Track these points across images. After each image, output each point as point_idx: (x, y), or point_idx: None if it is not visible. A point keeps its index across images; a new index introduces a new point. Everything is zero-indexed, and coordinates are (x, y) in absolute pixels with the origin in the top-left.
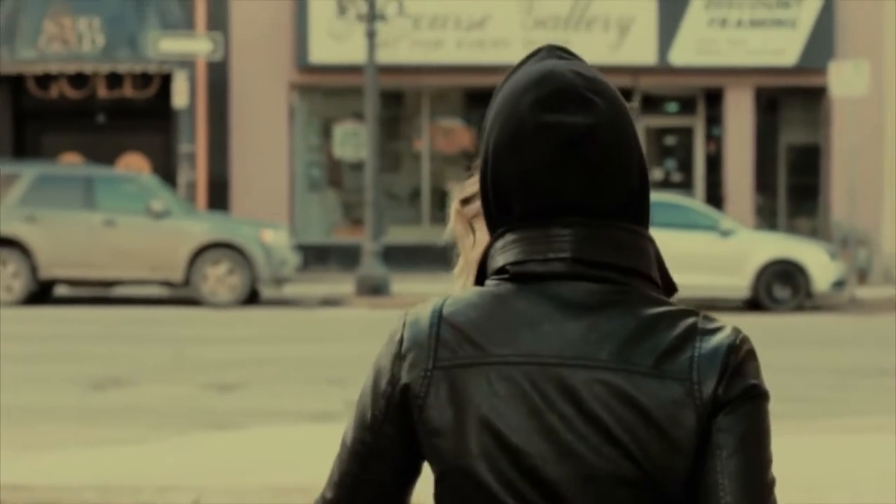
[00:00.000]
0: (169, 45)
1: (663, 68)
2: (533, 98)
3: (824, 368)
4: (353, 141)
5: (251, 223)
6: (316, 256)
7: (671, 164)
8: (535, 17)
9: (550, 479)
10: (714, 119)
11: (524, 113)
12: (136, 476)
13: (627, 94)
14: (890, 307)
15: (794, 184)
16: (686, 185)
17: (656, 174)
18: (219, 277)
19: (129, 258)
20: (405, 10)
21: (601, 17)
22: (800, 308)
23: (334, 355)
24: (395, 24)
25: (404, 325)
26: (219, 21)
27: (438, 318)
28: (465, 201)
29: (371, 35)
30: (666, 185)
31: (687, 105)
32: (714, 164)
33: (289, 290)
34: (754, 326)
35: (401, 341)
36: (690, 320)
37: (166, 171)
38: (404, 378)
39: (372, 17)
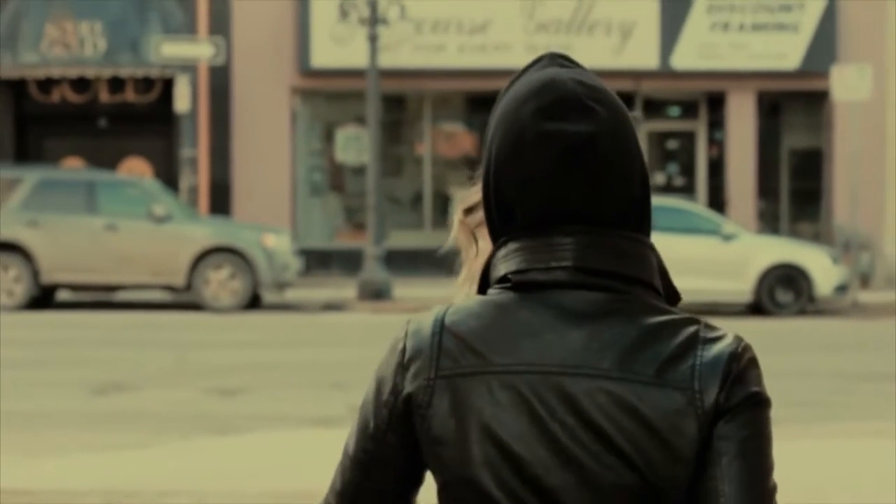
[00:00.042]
0: (171, 50)
1: (665, 72)
2: (534, 107)
3: (826, 373)
4: (355, 145)
5: (253, 228)
6: (318, 261)
7: (673, 168)
8: (537, 22)
9: (552, 488)
10: (716, 123)
11: (526, 121)
12: (137, 481)
13: (629, 98)
14: (892, 311)
15: (797, 188)
16: (688, 190)
17: (658, 178)
18: (221, 282)
19: (130, 263)
20: (407, 14)
21: (603, 22)
22: (802, 312)
23: (336, 360)
24: (396, 28)
25: (406, 335)
26: (221, 25)
27: (440, 328)
28: (468, 211)
29: (373, 39)
30: (668, 189)
31: (689, 109)
32: (716, 169)
33: (291, 295)
34: (757, 331)
35: (403, 351)
36: (692, 329)
37: (168, 176)
38: (407, 388)
39: (374, 21)
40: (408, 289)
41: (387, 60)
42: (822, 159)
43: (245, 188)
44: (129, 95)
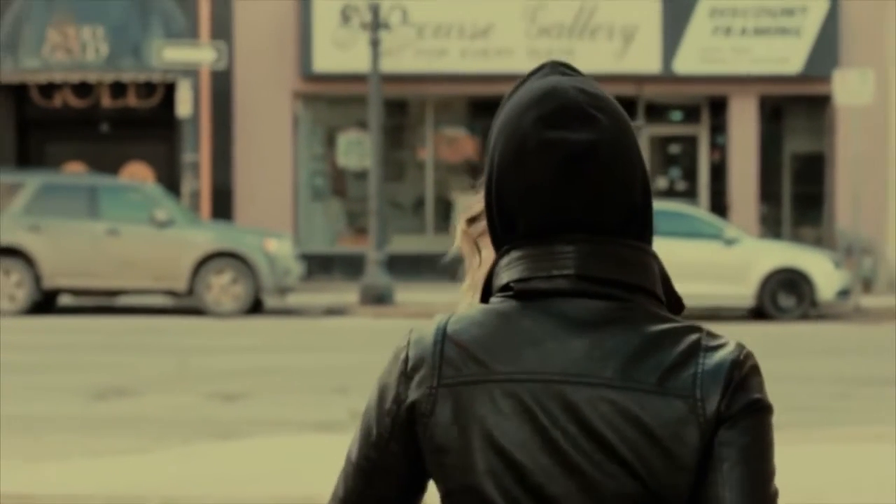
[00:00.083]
0: (173, 54)
1: (667, 77)
2: (536, 115)
3: (828, 377)
4: (357, 150)
5: (255, 232)
6: (320, 266)
7: (675, 172)
8: (539, 26)
9: (555, 497)
10: (718, 127)
11: (527, 130)
12: (139, 486)
13: (631, 102)
14: (894, 316)
15: (799, 192)
16: (690, 194)
17: (660, 183)
18: (222, 287)
19: (132, 267)
20: (409, 19)
21: (605, 26)
22: (804, 317)
23: (338, 364)
24: (398, 32)
25: (409, 344)
26: (222, 30)
27: (443, 336)
28: (471, 220)
29: (375, 44)
30: (670, 193)
31: (691, 113)
32: (718, 173)
33: (293, 300)
34: (759, 335)
35: (406, 359)
36: (694, 337)
37: (170, 181)
38: (410, 396)
39: (376, 25)
40: (410, 293)
41: (389, 65)
42: (825, 163)
43: (247, 193)
44: (131, 100)
